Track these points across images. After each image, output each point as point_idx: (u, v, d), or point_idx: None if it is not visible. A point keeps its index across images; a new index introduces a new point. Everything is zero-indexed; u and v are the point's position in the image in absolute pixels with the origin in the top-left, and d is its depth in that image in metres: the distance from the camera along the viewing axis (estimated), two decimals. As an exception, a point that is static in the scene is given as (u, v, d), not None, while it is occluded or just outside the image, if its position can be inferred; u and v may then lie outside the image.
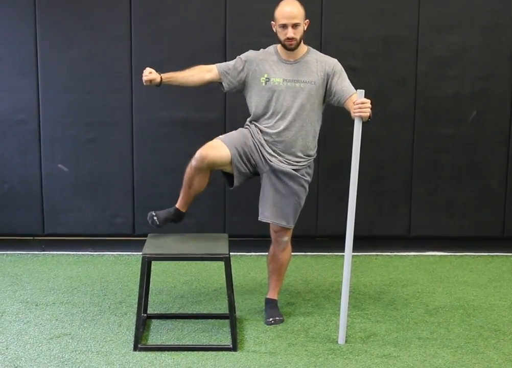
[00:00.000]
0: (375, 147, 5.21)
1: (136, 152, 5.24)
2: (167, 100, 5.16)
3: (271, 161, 3.92)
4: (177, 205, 4.08)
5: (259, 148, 3.93)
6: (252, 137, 3.94)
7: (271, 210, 3.98)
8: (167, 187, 5.25)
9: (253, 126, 3.97)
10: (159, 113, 5.20)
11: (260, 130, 3.93)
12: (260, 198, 4.05)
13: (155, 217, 4.02)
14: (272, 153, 3.92)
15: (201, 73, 3.94)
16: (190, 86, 4.01)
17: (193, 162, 3.86)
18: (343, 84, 3.87)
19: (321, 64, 3.89)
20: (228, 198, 5.26)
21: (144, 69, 3.83)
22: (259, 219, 4.03)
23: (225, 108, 5.17)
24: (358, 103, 3.57)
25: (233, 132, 4.02)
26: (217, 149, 3.84)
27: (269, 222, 4.01)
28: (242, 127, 4.05)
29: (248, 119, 4.02)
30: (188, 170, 3.93)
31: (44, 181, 5.26)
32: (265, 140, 3.91)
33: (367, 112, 3.57)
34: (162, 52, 5.05)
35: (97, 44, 5.12)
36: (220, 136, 3.96)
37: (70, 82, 5.15)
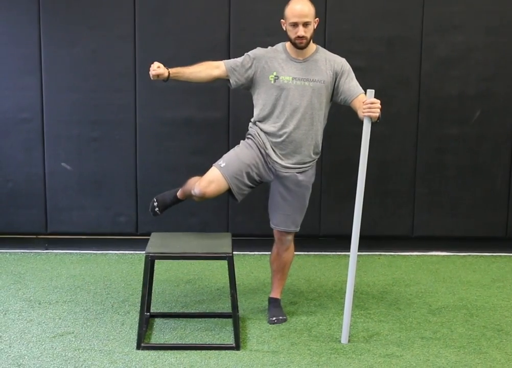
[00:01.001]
0: (379, 147, 5.20)
1: (139, 151, 5.24)
2: (170, 99, 5.16)
3: (276, 169, 3.92)
4: (178, 195, 4.15)
5: (264, 159, 3.93)
6: (258, 149, 3.93)
7: (280, 218, 4.01)
8: (171, 186, 5.19)
9: (258, 133, 3.93)
10: (163, 112, 5.20)
11: (267, 133, 3.90)
12: (269, 206, 4.08)
13: (157, 209, 4.19)
14: (277, 158, 3.90)
15: (208, 70, 3.92)
16: (197, 82, 3.99)
17: (192, 192, 3.93)
18: (351, 84, 3.87)
19: (330, 63, 3.88)
20: (231, 197, 5.24)
21: (152, 63, 3.82)
22: (271, 227, 4.06)
23: (229, 107, 5.17)
24: (368, 103, 3.57)
25: (234, 153, 3.97)
26: (216, 184, 3.88)
27: (280, 229, 4.03)
28: (247, 126, 4.03)
29: (253, 120, 3.99)
30: (189, 189, 4.00)
31: (47, 180, 5.27)
32: (273, 142, 3.89)
33: (376, 112, 3.57)
34: (166, 51, 5.05)
35: (101, 43, 5.12)
36: (219, 163, 3.91)
37: (74, 81, 5.16)
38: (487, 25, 5.16)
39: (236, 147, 4.03)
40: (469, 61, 5.19)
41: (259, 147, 3.93)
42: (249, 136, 4.01)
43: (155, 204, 4.21)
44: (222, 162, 3.92)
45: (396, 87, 5.20)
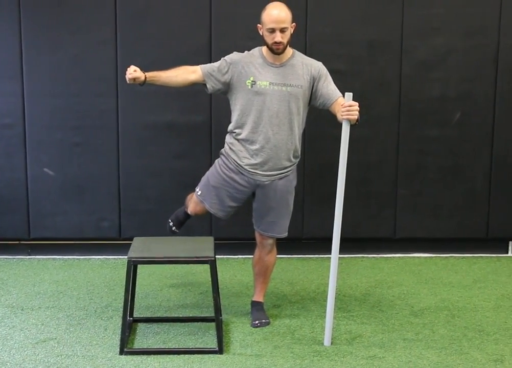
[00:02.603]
0: (361, 150, 5.22)
1: (122, 155, 5.24)
2: (152, 103, 5.16)
3: (256, 179, 3.93)
4: (188, 211, 4.33)
5: (240, 176, 3.94)
6: (229, 168, 3.95)
7: (267, 225, 4.03)
8: (154, 190, 5.26)
9: (231, 148, 3.95)
10: (145, 116, 5.19)
11: (246, 140, 3.89)
12: (254, 214, 4.07)
13: (174, 228, 4.46)
14: (257, 168, 3.90)
15: (185, 74, 3.92)
16: (174, 86, 4.00)
17: (188, 211, 4.31)
18: (329, 87, 3.88)
19: (307, 67, 3.89)
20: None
21: (129, 67, 3.83)
22: (258, 232, 4.08)
23: (211, 110, 5.17)
24: (346, 106, 3.58)
25: (207, 179, 4.06)
26: (201, 206, 4.17)
27: (269, 235, 4.05)
28: (226, 132, 4.05)
29: (230, 127, 3.97)
30: (187, 203, 4.35)
31: (30, 185, 5.25)
32: (252, 150, 3.88)
33: (355, 115, 3.59)
34: (147, 55, 5.04)
35: (82, 48, 5.10)
36: (197, 190, 4.11)
37: (55, 86, 5.14)
38: (466, 28, 5.20)
39: (210, 169, 4.10)
40: (449, 63, 5.23)
41: (231, 165, 3.94)
42: (221, 155, 4.03)
43: (170, 224, 4.45)
44: (198, 189, 4.11)
45: (377, 90, 5.23)
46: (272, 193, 3.96)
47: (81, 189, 5.27)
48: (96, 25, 5.10)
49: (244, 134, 3.90)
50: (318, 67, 3.92)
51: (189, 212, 4.26)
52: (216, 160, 4.08)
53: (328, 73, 3.93)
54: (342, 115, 3.61)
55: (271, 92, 3.83)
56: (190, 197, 4.27)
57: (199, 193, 4.07)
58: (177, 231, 4.45)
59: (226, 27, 5.11)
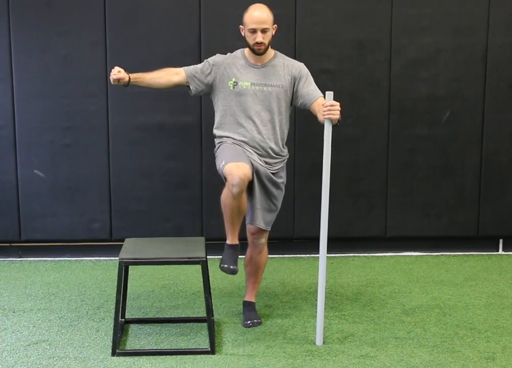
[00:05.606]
0: (351, 149, 5.24)
1: (112, 157, 5.23)
2: (143, 104, 5.16)
3: (253, 160, 3.92)
4: (229, 242, 3.90)
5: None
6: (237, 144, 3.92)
7: (254, 214, 3.97)
8: (144, 191, 5.26)
9: (225, 139, 3.94)
10: (135, 117, 5.19)
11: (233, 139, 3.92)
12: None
13: (231, 266, 3.86)
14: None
15: (168, 76, 3.95)
16: (158, 88, 4.03)
17: (233, 190, 3.62)
18: (310, 88, 3.91)
19: (288, 68, 3.93)
20: (205, 202, 5.27)
21: (113, 68, 3.83)
22: (249, 223, 4.02)
23: (201, 111, 5.18)
24: (327, 105, 3.60)
25: (225, 150, 3.84)
26: (242, 165, 3.64)
27: (256, 225, 4.00)
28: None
29: (215, 128, 3.99)
30: (229, 202, 3.72)
31: (20, 187, 5.24)
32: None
33: (336, 114, 3.60)
34: (137, 56, 5.05)
35: (72, 48, 5.10)
36: (224, 163, 3.67)
37: (45, 87, 5.14)
38: (455, 27, 5.22)
39: (218, 152, 3.91)
40: (438, 62, 5.25)
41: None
42: (222, 141, 3.95)
43: (225, 266, 3.86)
44: (223, 163, 3.71)
45: (367, 89, 5.24)
46: (262, 180, 3.91)
47: (72, 191, 5.26)
48: (86, 26, 5.09)
49: (227, 134, 3.93)
50: (298, 67, 3.95)
51: (235, 182, 3.58)
52: (222, 145, 3.92)
53: (309, 74, 3.96)
54: (323, 115, 3.63)
55: (252, 92, 3.87)
56: (225, 197, 3.73)
57: (223, 163, 3.68)
58: (236, 268, 3.85)
59: (216, 28, 5.11)
